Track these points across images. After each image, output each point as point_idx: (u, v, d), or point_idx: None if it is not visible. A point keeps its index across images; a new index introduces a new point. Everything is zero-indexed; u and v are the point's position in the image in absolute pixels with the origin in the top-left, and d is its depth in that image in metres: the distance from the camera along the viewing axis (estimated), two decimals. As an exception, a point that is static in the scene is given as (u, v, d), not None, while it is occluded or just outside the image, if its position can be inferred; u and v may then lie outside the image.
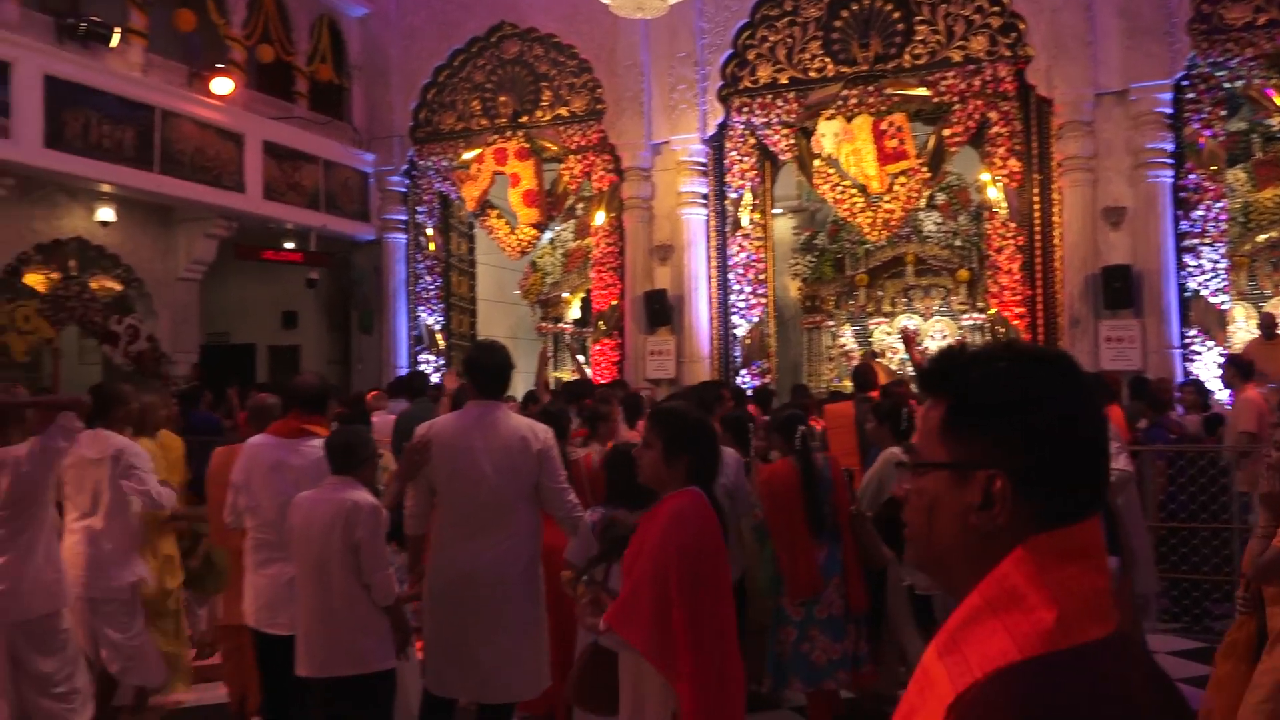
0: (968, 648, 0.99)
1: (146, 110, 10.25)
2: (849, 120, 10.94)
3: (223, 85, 11.11)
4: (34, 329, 10.00)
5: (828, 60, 11.36)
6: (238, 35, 11.70)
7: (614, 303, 12.35)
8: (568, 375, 15.11)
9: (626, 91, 12.12)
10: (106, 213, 10.72)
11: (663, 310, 11.82)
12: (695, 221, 11.91)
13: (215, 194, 11.09)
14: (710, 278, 11.93)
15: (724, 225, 11.90)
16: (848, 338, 12.95)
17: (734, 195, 11.76)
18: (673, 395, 7.62)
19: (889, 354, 12.44)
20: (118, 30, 10.15)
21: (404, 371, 12.83)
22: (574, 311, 15.73)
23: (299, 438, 3.92)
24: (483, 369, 3.82)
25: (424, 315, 13.58)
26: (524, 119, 12.83)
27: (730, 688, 2.60)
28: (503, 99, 12.87)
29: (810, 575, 4.32)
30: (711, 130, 11.81)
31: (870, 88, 10.95)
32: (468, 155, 13.06)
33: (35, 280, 10.54)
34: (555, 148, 12.68)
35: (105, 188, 10.36)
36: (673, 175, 11.99)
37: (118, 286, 11.40)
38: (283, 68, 12.59)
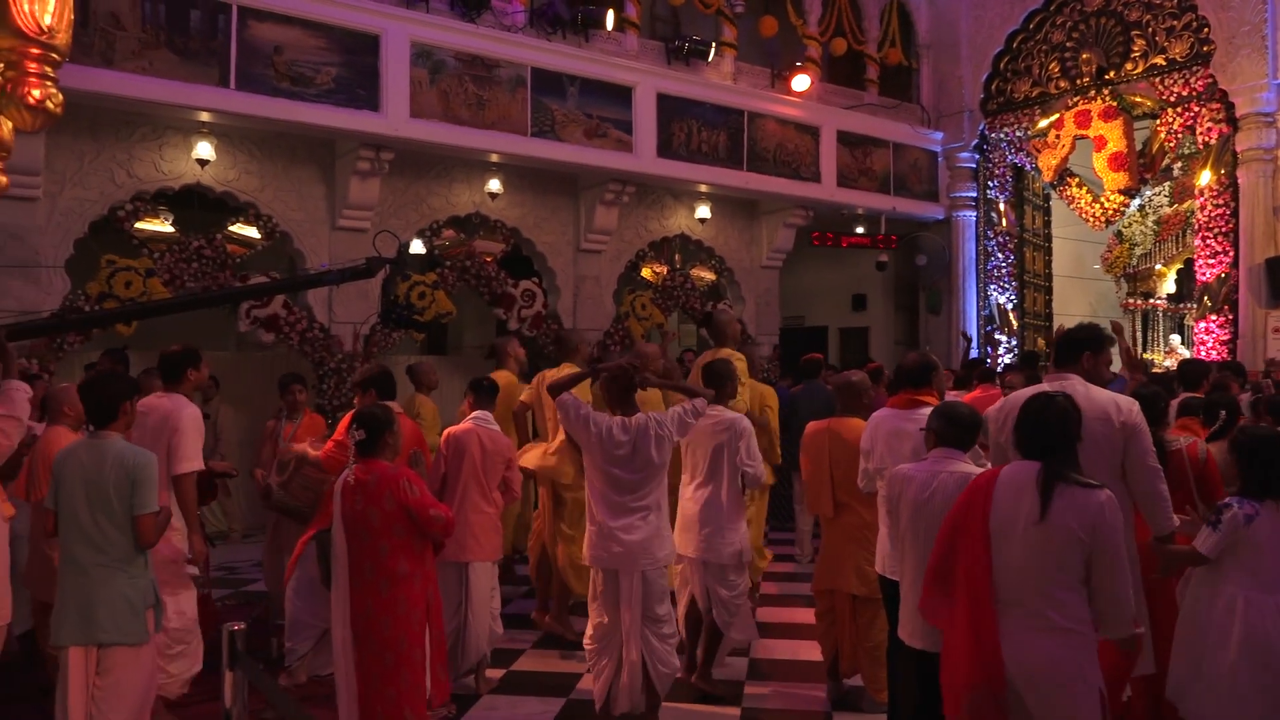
0: None
1: (736, 114, 11.28)
2: None
3: (801, 82, 11.81)
4: (649, 315, 11.60)
5: None
6: (814, 33, 12.33)
7: (1224, 273, 10.70)
8: (1159, 357, 13.56)
9: (1242, 25, 10.40)
10: (703, 210, 12.03)
11: (1291, 280, 9.99)
12: (1339, 170, 9.84)
13: (794, 185, 11.84)
14: (1363, 238, 9.78)
15: (1382, 172, 9.66)
16: None
17: (1398, 133, 9.49)
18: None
19: None
20: (713, 45, 11.35)
21: (975, 353, 12.52)
22: (1168, 285, 14.07)
23: (912, 408, 4.26)
24: (1058, 342, 3.94)
25: (995, 294, 13.08)
26: (1110, 75, 11.68)
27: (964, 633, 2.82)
28: (1085, 56, 11.85)
29: None
30: (1364, 56, 9.65)
31: None
32: (1044, 122, 12.26)
33: (648, 273, 12.22)
34: (1149, 103, 11.34)
35: (703, 188, 11.63)
36: (1306, 117, 10.04)
37: (711, 276, 12.74)
38: (853, 57, 12.98)
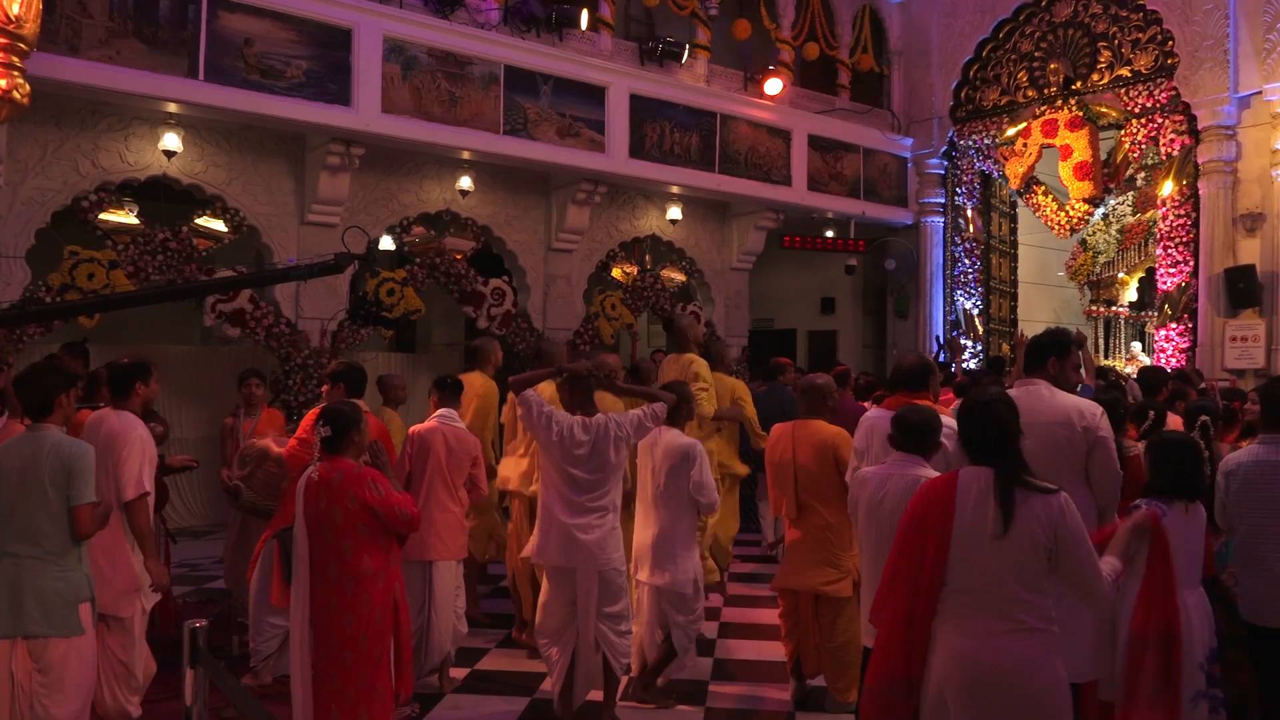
0: None
1: (709, 116, 11.33)
2: None
3: (773, 86, 11.88)
4: (619, 315, 11.61)
5: None
6: (786, 37, 12.41)
7: (1184, 282, 10.90)
8: (1121, 364, 13.76)
9: (1205, 39, 10.59)
10: (675, 212, 12.07)
11: (1249, 289, 10.18)
12: (1296, 184, 10.05)
13: (765, 188, 11.90)
14: (1318, 250, 10.00)
15: (1338, 186, 9.88)
16: None
17: (1354, 149, 9.71)
18: None
19: None
20: (687, 47, 11.38)
21: (943, 358, 12.64)
22: (1130, 293, 14.27)
23: None
24: (1026, 348, 4.03)
25: (961, 299, 13.23)
26: (1077, 85, 11.86)
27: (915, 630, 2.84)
28: (1053, 66, 12.03)
29: None
30: (1321, 72, 9.87)
31: None
32: (1012, 131, 12.43)
33: (618, 273, 12.24)
34: (1114, 113, 11.52)
35: (674, 189, 11.66)
36: (1265, 131, 10.24)
37: (681, 277, 12.78)
38: (826, 62, 13.07)
